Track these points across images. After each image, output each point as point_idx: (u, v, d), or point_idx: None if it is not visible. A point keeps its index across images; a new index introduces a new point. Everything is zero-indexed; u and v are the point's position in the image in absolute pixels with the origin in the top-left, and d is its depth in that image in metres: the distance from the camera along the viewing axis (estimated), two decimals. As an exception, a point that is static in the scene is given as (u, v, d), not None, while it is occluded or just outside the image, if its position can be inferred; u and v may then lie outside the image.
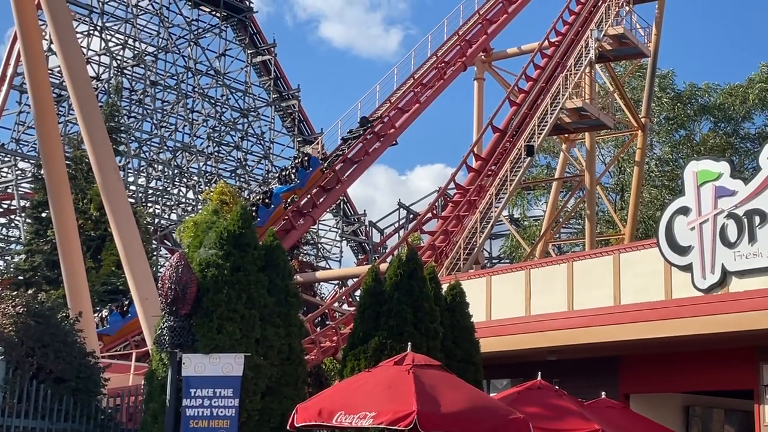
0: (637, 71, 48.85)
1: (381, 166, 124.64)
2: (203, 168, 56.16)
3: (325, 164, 35.34)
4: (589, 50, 37.13)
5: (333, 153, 36.75)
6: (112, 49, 53.25)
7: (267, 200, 33.19)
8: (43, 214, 36.30)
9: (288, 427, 10.61)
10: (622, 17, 39.73)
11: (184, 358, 12.20)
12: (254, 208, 32.73)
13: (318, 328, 30.68)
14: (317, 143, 39.04)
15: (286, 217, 33.83)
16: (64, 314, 14.62)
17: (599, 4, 39.94)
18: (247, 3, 60.79)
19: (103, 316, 31.22)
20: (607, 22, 38.35)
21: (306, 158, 34.56)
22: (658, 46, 44.02)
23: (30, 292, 15.51)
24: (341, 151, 36.42)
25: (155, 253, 45.22)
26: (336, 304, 33.74)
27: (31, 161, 48.10)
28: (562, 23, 40.63)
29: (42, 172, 30.54)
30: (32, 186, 43.23)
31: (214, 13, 58.89)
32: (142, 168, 53.63)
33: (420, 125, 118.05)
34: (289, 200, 34.02)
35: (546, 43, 39.91)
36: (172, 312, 12.41)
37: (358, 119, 37.52)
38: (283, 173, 34.43)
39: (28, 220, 40.52)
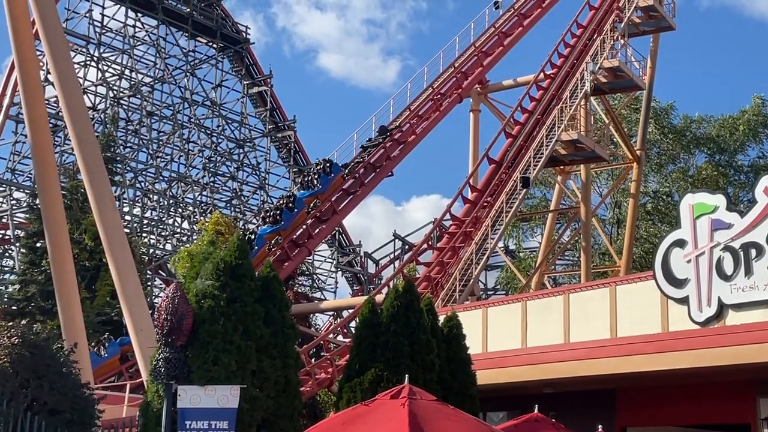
0: (633, 104, 49.06)
1: (377, 197, 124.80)
2: (198, 198, 56.18)
3: (346, 171, 35.97)
4: (584, 83, 37.28)
5: (353, 160, 37.38)
6: (109, 79, 53.41)
7: (291, 204, 33.75)
8: (38, 244, 36.23)
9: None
10: (617, 50, 39.95)
11: (179, 389, 12.11)
12: (278, 212, 33.34)
13: (313, 360, 30.57)
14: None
15: (282, 248, 33.81)
16: (59, 345, 14.54)
17: (594, 37, 40.18)
18: (244, 35, 61.09)
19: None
20: (602, 55, 38.55)
21: (328, 164, 35.17)
22: (653, 79, 44.27)
23: (24, 322, 15.45)
24: (361, 158, 37.12)
25: (150, 284, 45.14)
26: (331, 336, 33.65)
27: (27, 191, 48.11)
28: (557, 56, 40.84)
29: (37, 202, 30.54)
30: (27, 216, 43.20)
31: (210, 44, 59.15)
32: (137, 198, 53.66)
33: (416, 156, 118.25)
34: (311, 205, 34.74)
35: (541, 75, 40.10)
36: (167, 343, 12.35)
37: (378, 129, 38.49)
38: (306, 179, 35.06)
39: (22, 250, 40.41)
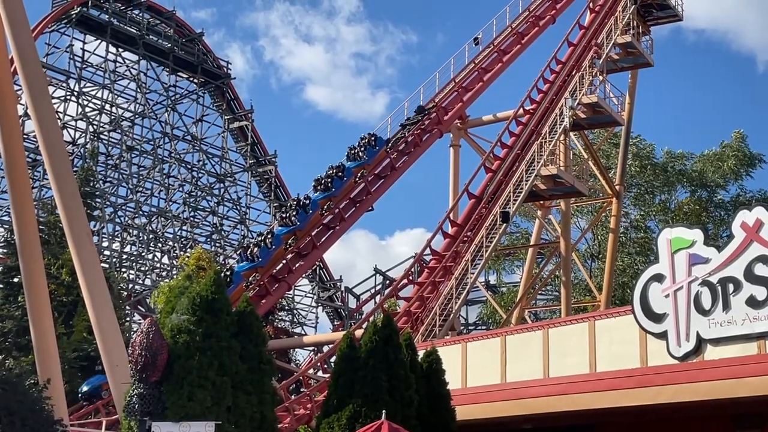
0: (611, 139, 49.34)
1: (361, 231, 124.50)
2: (178, 233, 56.00)
3: (389, 145, 38.32)
4: (563, 118, 37.44)
5: (394, 136, 39.32)
6: (89, 114, 53.33)
7: (340, 174, 36.01)
8: (15, 279, 35.88)
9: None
10: (595, 86, 40.21)
11: (153, 426, 12.00)
12: (329, 180, 35.60)
13: (292, 395, 30.33)
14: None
15: (262, 283, 33.68)
16: (32, 381, 14.37)
17: (573, 73, 40.42)
18: (225, 70, 61.23)
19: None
20: (581, 91, 38.77)
21: (373, 138, 37.48)
22: (631, 115, 44.62)
23: (-1, 358, 15.30)
24: (402, 135, 39.39)
25: (128, 319, 44.80)
26: (311, 371, 33.42)
27: (4, 226, 47.79)
28: (536, 91, 41.02)
29: (14, 236, 30.31)
30: (4, 251, 42.86)
31: (191, 79, 59.22)
32: (116, 233, 53.41)
33: (400, 190, 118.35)
34: (359, 174, 36.96)
35: (521, 110, 40.25)
36: (142, 379, 12.24)
37: (415, 108, 40.50)
38: (352, 151, 37.17)
39: (-1, 285, 40.03)
